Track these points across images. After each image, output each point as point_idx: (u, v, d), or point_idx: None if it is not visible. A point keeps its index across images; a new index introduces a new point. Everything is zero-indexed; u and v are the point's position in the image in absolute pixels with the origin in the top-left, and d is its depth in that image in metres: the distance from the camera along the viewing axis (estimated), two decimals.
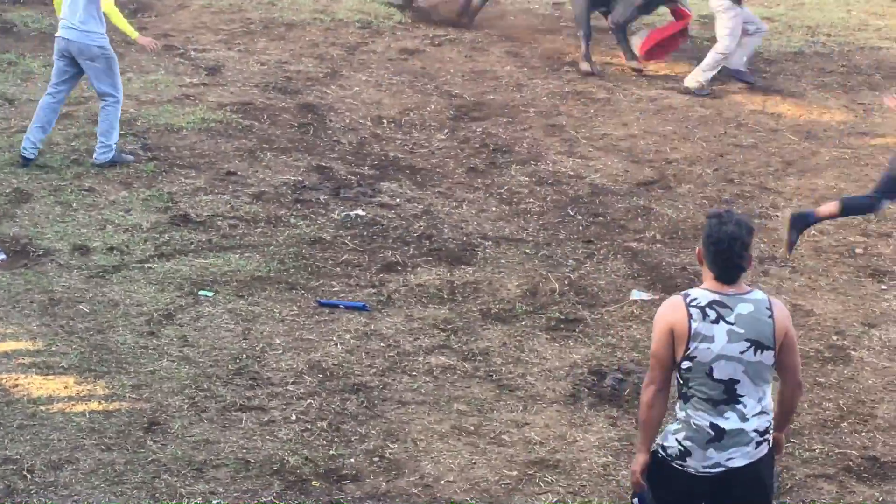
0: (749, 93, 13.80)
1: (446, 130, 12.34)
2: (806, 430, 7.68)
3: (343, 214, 10.25)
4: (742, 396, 5.30)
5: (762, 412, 5.34)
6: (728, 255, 5.27)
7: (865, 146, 12.49)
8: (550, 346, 8.46)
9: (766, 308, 5.31)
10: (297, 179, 10.84)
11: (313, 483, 6.82)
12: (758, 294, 5.37)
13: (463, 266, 9.54)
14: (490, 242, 9.97)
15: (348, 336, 8.41)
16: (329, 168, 11.19)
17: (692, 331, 5.27)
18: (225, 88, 12.94)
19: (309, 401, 7.62)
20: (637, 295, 9.23)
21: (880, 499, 7.06)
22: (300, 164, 11.19)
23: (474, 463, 7.12)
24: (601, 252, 9.95)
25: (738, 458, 5.33)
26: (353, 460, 7.07)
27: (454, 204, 10.69)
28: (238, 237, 9.70)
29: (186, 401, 7.52)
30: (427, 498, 6.80)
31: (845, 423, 7.79)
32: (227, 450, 7.06)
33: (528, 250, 9.90)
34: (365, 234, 9.97)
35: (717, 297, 5.31)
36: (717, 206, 10.81)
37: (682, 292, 5.42)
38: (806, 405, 7.93)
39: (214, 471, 6.86)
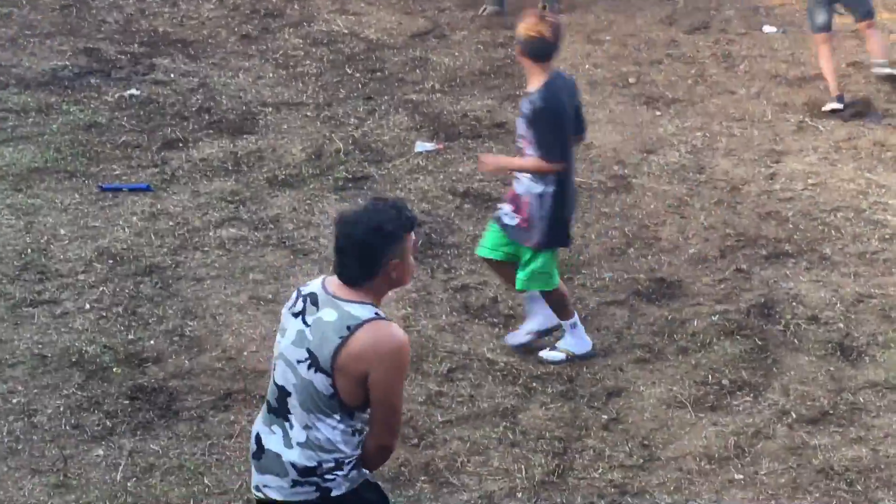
0: None
1: None
2: (595, 260, 7.91)
3: (117, 95, 10.00)
4: (290, 414, 4.37)
5: (310, 448, 4.32)
6: (341, 254, 4.30)
7: None
8: (340, 206, 8.46)
9: (348, 328, 4.22)
10: (65, 64, 10.52)
11: (115, 370, 6.77)
12: (360, 310, 4.26)
13: (245, 136, 9.44)
14: (270, 109, 9.88)
15: (135, 219, 8.28)
16: (97, 49, 10.87)
17: (282, 315, 4.48)
18: None
19: (101, 288, 7.51)
20: (421, 147, 9.29)
21: (668, 316, 7.34)
22: (66, 49, 10.84)
23: (275, 331, 7.13)
24: (382, 107, 9.95)
25: (274, 489, 4.42)
26: (152, 342, 7.02)
27: (230, 73, 10.53)
28: (9, 129, 9.39)
29: None
30: (232, 370, 6.82)
31: (631, 249, 8.05)
32: (23, 346, 6.93)
33: (309, 113, 9.84)
34: (142, 113, 9.76)
35: (319, 291, 4.36)
36: (485, 62, 10.84)
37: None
38: (593, 235, 8.16)
39: (11, 370, 6.73)
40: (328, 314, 4.27)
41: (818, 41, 9.82)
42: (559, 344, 6.98)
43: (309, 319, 4.33)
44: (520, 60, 6.83)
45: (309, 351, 4.29)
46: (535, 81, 6.65)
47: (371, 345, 4.22)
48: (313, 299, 4.35)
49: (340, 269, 4.32)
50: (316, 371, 4.27)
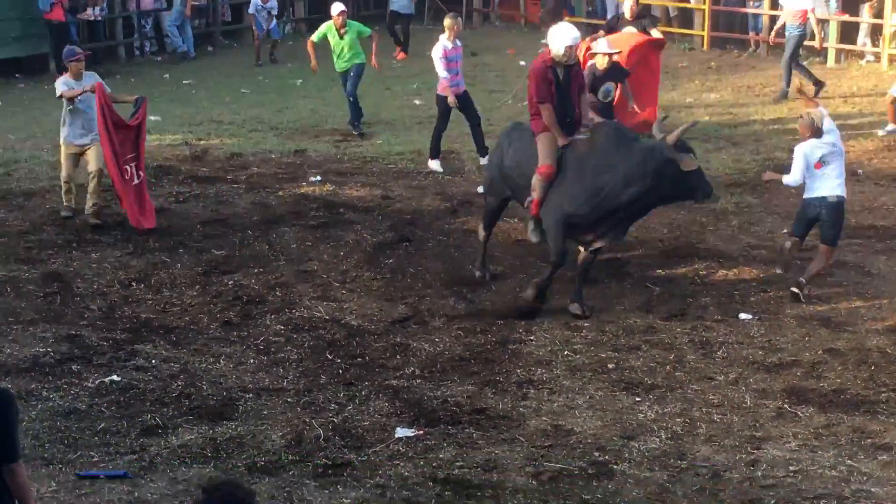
0: None
1: (197, 286, 12.24)
2: None
3: (97, 382, 10.02)
4: None
5: None
6: None
7: None
8: (320, 493, 8.40)
9: None
10: (47, 351, 10.57)
11: None
12: None
13: (225, 421, 9.42)
14: (251, 395, 9.90)
15: None
16: (80, 336, 10.95)
17: None
18: None
19: None
20: (402, 432, 9.27)
21: None
22: (48, 336, 10.92)
23: None
24: (363, 393, 9.97)
25: None
26: None
27: (211, 359, 10.59)
28: None
29: None
30: None
31: None
32: None
33: (289, 399, 9.85)
34: (122, 399, 9.76)
35: None
36: (465, 348, 10.96)
37: None
38: None
39: None
40: None
41: None
42: None
43: None
44: None
45: None
46: None
47: None
48: None
49: None
50: None
